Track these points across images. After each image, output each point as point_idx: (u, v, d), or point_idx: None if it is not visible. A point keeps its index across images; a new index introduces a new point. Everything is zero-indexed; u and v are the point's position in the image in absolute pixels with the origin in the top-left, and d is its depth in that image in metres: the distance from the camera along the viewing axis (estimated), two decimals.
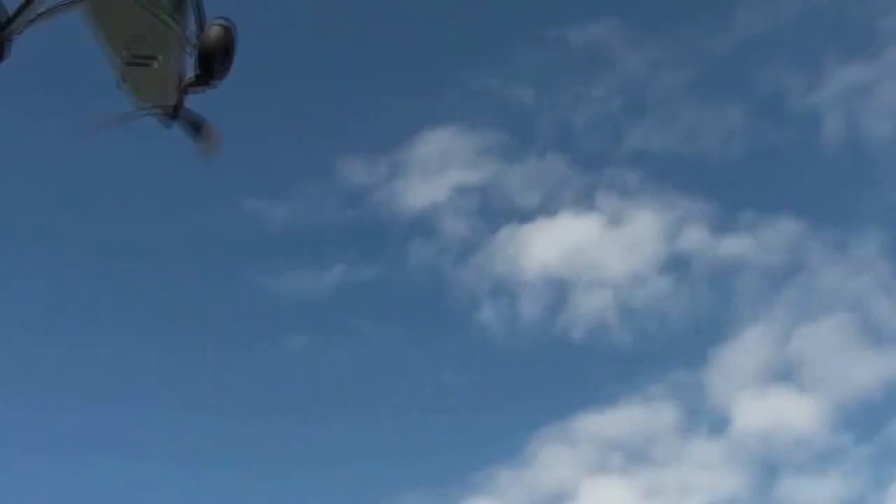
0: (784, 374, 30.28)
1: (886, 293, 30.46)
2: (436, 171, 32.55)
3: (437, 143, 32.84)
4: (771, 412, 29.63)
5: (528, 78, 33.73)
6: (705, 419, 30.06)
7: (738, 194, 32.62)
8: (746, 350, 30.46)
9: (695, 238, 31.66)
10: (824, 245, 31.41)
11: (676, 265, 31.67)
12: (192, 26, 12.14)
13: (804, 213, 31.66)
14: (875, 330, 30.30)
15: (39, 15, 11.56)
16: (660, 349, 31.19)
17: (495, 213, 32.51)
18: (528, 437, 29.73)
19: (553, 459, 29.72)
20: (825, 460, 29.21)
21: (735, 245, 31.54)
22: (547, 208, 32.49)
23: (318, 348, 31.48)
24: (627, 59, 33.36)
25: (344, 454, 29.96)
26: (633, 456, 29.72)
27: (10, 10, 11.46)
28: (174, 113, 12.47)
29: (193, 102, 12.45)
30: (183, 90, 12.30)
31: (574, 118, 33.27)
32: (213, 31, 11.98)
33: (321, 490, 29.80)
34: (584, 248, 31.98)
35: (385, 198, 32.15)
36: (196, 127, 12.69)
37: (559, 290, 31.50)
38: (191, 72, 12.18)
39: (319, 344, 31.47)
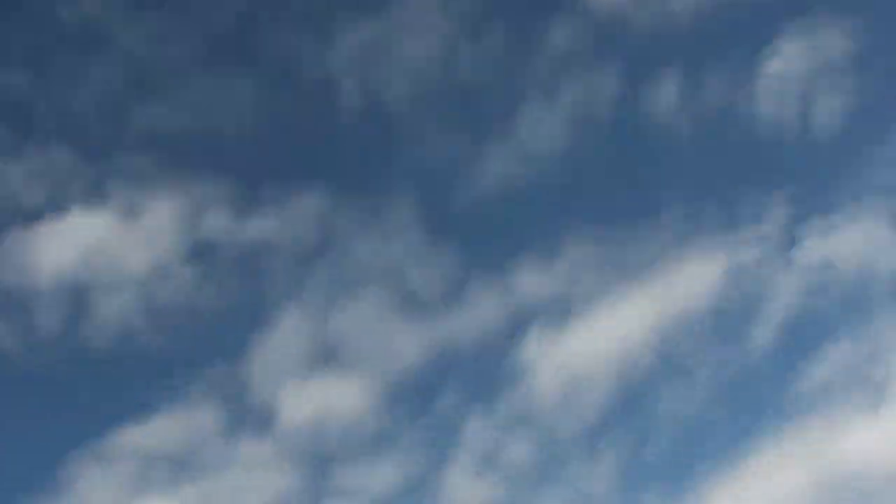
0: (327, 356, 28.69)
1: (420, 260, 29.29)
2: None
3: None
4: (318, 399, 28.08)
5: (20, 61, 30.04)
6: (251, 416, 28.04)
7: (259, 171, 30.24)
8: (285, 336, 28.62)
9: (218, 222, 29.42)
10: (354, 215, 29.77)
11: (202, 254, 29.36)
12: None
13: (331, 184, 29.84)
14: (412, 298, 29.09)
15: None
16: (194, 346, 28.88)
17: None
18: (60, 463, 26.95)
19: (92, 483, 27.02)
20: (379, 443, 27.91)
21: (260, 225, 29.51)
22: (55, 206, 29.17)
23: None
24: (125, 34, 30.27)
25: None
26: (180, 466, 27.49)
27: None
28: None
29: None
30: None
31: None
32: None
33: None
34: (100, 246, 29.03)
35: None
36: None
37: (78, 296, 28.53)
38: None
39: None
